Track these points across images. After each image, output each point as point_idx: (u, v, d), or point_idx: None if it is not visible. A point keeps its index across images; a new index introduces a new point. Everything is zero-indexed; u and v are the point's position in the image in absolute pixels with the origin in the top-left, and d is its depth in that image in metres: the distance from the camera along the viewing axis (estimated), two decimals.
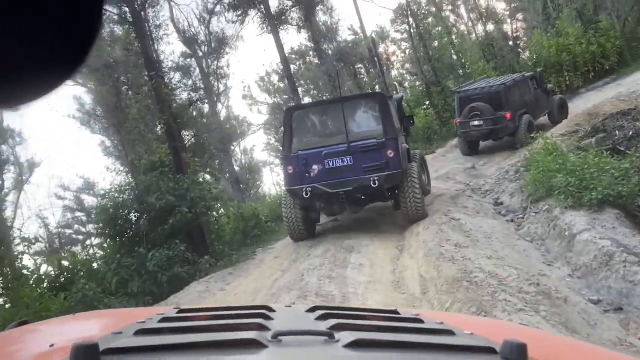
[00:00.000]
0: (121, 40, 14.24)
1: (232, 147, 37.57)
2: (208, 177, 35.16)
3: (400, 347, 0.95)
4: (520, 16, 36.48)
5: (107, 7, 16.07)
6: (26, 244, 10.59)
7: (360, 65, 31.89)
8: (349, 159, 8.74)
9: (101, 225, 10.58)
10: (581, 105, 17.92)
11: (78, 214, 30.81)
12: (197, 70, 28.45)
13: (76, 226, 30.19)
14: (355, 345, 0.91)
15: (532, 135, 14.91)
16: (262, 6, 18.52)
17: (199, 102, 22.89)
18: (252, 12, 18.74)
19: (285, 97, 41.52)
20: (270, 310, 1.28)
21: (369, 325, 1.10)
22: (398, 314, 1.33)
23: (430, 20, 25.67)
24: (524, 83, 15.62)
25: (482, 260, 7.01)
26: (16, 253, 10.48)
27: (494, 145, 17.09)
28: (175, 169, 10.99)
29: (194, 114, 26.78)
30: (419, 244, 8.34)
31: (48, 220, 20.55)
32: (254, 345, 0.90)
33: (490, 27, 27.68)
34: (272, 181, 54.25)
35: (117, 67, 14.74)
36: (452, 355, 0.94)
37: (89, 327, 1.52)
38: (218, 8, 20.30)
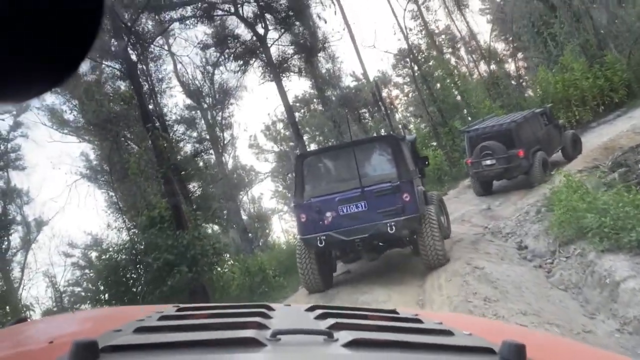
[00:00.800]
0: (120, 94, 13.82)
1: (240, 196, 37.03)
2: (215, 227, 34.45)
3: (399, 346, 0.94)
4: (520, 55, 36.48)
5: (108, 62, 15.81)
6: (27, 311, 9.79)
7: (364, 110, 31.62)
8: (363, 204, 8.33)
9: (100, 287, 9.81)
10: (594, 139, 17.23)
11: (86, 271, 30.03)
12: (202, 121, 28.24)
13: (85, 284, 29.36)
14: (354, 344, 0.90)
15: (548, 172, 14.33)
16: (263, 55, 18.21)
17: (203, 153, 22.41)
18: (254, 62, 18.44)
19: (291, 144, 41.32)
20: (270, 309, 1.27)
21: (368, 325, 1.09)
22: (397, 313, 1.33)
23: (431, 62, 25.36)
24: (535, 119, 15.04)
25: (518, 317, 6.12)
26: (23, 314, 9.69)
27: (508, 185, 16.39)
28: (175, 225, 10.26)
29: (200, 165, 26.42)
30: (442, 299, 7.43)
31: (55, 279, 19.92)
32: (253, 343, 0.89)
33: (492, 66, 27.39)
34: (281, 229, 53.42)
35: (117, 122, 14.27)
36: (451, 355, 0.93)
37: (88, 324, 1.48)
38: (220, 59, 19.96)
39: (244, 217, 36.80)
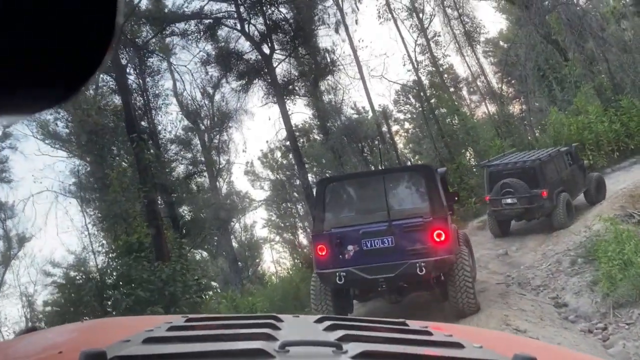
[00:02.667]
0: (108, 105, 12.30)
1: (232, 224, 35.23)
2: (205, 254, 32.53)
3: (409, 359, 0.92)
4: (521, 98, 35.52)
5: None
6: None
7: (364, 143, 30.26)
8: (390, 239, 7.35)
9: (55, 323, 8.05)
10: (611, 186, 15.82)
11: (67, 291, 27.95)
12: (198, 143, 26.70)
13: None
14: (363, 356, 0.89)
15: (572, 216, 13.13)
16: (267, 76, 16.82)
17: (196, 176, 20.76)
18: (257, 82, 17.02)
19: (288, 173, 39.80)
20: (278, 320, 1.24)
21: (377, 337, 1.06)
22: (407, 325, 1.30)
23: (439, 96, 24.15)
24: (560, 158, 13.84)
25: None
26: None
27: (521, 228, 14.96)
28: (155, 254, 8.58)
29: (193, 188, 24.72)
30: None
31: (33, 298, 18.17)
32: (261, 355, 0.87)
33: (493, 107, 26.25)
34: (272, 259, 51.47)
35: (104, 134, 12.68)
36: None
37: (97, 334, 1.42)
38: (222, 76, 18.55)
39: (235, 244, 35.00)
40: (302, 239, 44.98)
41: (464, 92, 43.71)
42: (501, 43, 43.37)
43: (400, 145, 43.14)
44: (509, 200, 12.77)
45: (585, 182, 14.33)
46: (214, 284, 36.72)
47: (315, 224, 7.95)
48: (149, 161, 9.12)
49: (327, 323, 1.19)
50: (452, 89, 33.16)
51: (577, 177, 14.10)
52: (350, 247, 7.41)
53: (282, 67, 17.47)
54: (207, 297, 9.33)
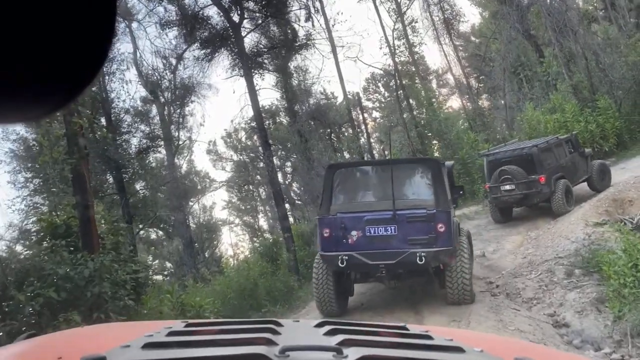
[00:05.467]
0: None
1: (190, 204, 33.14)
2: (160, 233, 30.33)
3: None
4: (485, 95, 34.69)
5: None
6: None
7: (331, 129, 28.72)
8: (393, 228, 7.49)
9: None
10: (587, 187, 14.96)
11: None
12: (157, 117, 24.47)
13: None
14: None
15: (571, 202, 12.84)
16: (235, 46, 14.94)
17: (151, 151, 18.72)
18: (223, 51, 15.09)
19: (252, 155, 37.83)
20: (278, 324, 1.22)
21: (377, 341, 1.05)
22: (407, 330, 1.29)
23: (407, 87, 22.78)
24: (559, 146, 13.67)
25: None
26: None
27: (498, 226, 13.95)
28: (82, 242, 6.80)
29: (151, 163, 22.55)
30: None
31: None
32: None
33: (464, 101, 25.13)
34: (230, 242, 49.56)
35: None
36: None
37: (97, 339, 1.41)
38: (187, 42, 16.48)
39: (193, 225, 33.00)
40: (263, 222, 43.35)
41: (434, 84, 42.76)
42: (472, 38, 42.59)
43: (365, 135, 41.80)
44: (507, 187, 12.76)
45: (587, 170, 14.03)
46: (169, 265, 34.65)
47: (322, 207, 7.98)
48: (80, 127, 7.25)
49: (328, 327, 1.17)
50: (418, 85, 31.96)
51: (577, 164, 13.86)
52: (354, 233, 7.53)
53: (252, 38, 15.65)
54: (146, 295, 7.57)
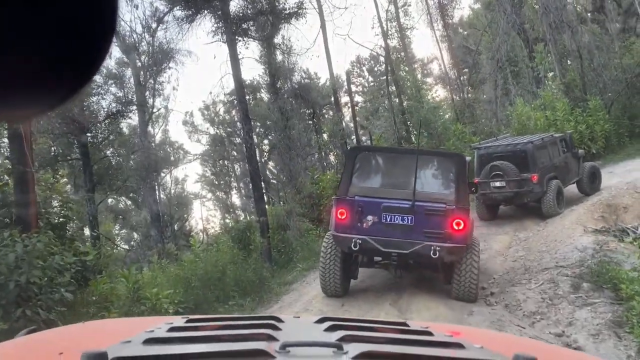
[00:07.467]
0: None
1: (162, 175, 31.43)
2: (129, 202, 28.63)
3: (409, 359, 0.88)
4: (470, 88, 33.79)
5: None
6: None
7: (311, 110, 27.38)
8: (409, 218, 7.33)
9: None
10: (577, 190, 14.18)
11: None
12: (132, 81, 22.68)
13: None
14: (363, 357, 0.86)
15: (562, 203, 12.19)
16: (218, 9, 13.44)
17: (121, 116, 17.09)
18: (206, 13, 13.56)
19: (230, 130, 36.21)
20: (279, 320, 1.20)
21: (378, 337, 1.04)
22: (407, 326, 1.27)
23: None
24: (553, 144, 12.86)
25: None
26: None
27: (483, 224, 13.07)
28: (16, 217, 5.44)
29: (122, 129, 20.86)
30: None
31: None
32: (262, 355, 0.85)
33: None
34: (201, 216, 47.92)
35: None
36: None
37: (97, 335, 1.35)
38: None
39: (163, 196, 31.40)
40: (236, 199, 41.89)
41: (418, 75, 41.68)
42: (460, 30, 41.61)
43: (347, 119, 40.48)
44: (497, 184, 12.05)
45: (578, 171, 13.38)
46: (136, 235, 32.99)
47: (341, 187, 7.82)
48: None
49: (328, 324, 1.17)
50: (406, 69, 30.81)
51: (570, 165, 13.17)
52: (370, 218, 7.40)
53: (238, 1, 14.17)
54: (95, 280, 6.26)
